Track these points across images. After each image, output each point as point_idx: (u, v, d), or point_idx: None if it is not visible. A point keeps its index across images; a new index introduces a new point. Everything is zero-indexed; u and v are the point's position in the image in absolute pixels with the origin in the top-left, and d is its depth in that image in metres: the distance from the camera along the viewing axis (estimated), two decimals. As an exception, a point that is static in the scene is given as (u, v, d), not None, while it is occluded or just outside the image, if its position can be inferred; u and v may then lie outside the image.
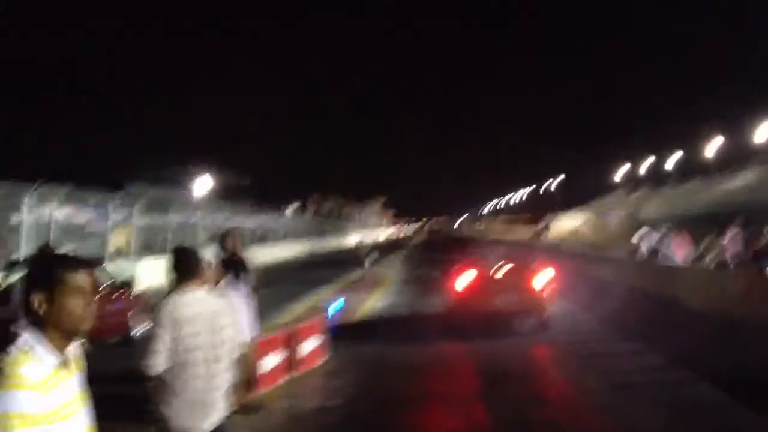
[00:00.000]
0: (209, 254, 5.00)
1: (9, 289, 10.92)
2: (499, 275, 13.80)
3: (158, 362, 3.91)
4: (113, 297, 12.51)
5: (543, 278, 13.55)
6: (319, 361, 10.35)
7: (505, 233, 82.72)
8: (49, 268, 2.35)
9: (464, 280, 13.64)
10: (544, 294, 13.37)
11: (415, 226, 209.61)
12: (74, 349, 2.42)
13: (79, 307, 2.31)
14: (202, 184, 52.19)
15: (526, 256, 15.13)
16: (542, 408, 8.11)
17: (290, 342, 9.56)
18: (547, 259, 15.55)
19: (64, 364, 2.32)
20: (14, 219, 18.82)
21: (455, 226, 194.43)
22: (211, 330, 4.02)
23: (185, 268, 4.15)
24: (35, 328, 2.28)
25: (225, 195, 53.68)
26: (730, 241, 14.73)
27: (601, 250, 26.93)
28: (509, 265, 14.28)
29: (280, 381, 9.12)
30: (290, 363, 9.47)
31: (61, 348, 2.31)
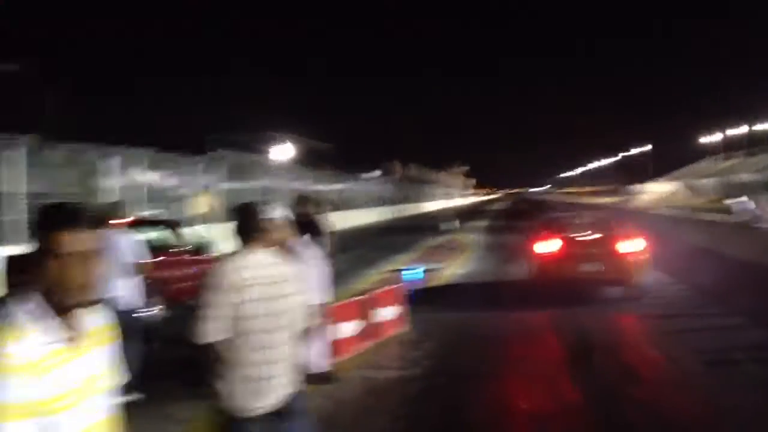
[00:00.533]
0: (279, 212, 4.66)
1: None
2: (586, 241, 13.14)
3: (208, 330, 3.56)
4: (190, 260, 12.52)
5: (633, 245, 12.83)
6: (397, 330, 10.05)
7: (588, 200, 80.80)
8: (38, 226, 1.97)
9: (549, 245, 13.05)
10: (634, 262, 12.64)
11: (497, 194, 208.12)
12: (92, 320, 2.04)
13: (65, 272, 1.90)
14: (285, 150, 52.63)
15: (614, 222, 14.32)
16: (633, 385, 7.58)
17: (367, 309, 9.29)
18: (637, 226, 14.74)
19: (70, 339, 1.94)
20: (102, 183, 19.12)
21: (536, 194, 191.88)
22: (272, 297, 3.68)
23: (246, 227, 3.82)
24: (38, 297, 1.92)
25: (307, 161, 54.01)
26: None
27: (694, 215, 25.69)
28: (597, 232, 13.60)
29: (357, 350, 8.87)
30: (367, 331, 9.20)
31: (65, 321, 1.94)
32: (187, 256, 12.53)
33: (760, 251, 16.30)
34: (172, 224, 13.12)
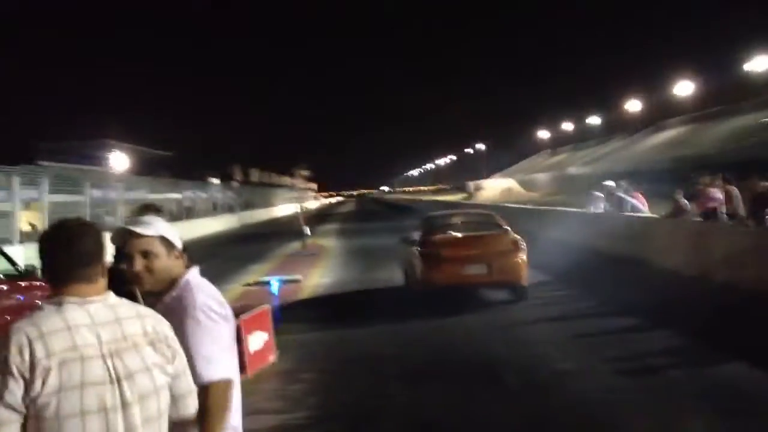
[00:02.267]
0: (151, 226, 2.87)
1: None
2: (469, 242, 12.23)
3: None
4: (15, 288, 10.34)
5: (514, 244, 11.96)
6: (269, 360, 8.44)
7: (431, 198, 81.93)
8: None
9: (431, 247, 11.95)
10: (517, 262, 11.72)
11: (340, 197, 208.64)
12: None
13: None
14: (120, 159, 49.23)
15: (492, 220, 13.49)
16: (554, 411, 6.47)
17: (236, 339, 7.65)
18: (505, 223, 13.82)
19: None
20: None
21: (378, 195, 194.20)
22: (110, 378, 2.12)
23: (57, 261, 2.24)
24: None
25: (145, 169, 50.82)
26: (712, 191, 13.36)
27: (550, 207, 25.64)
28: (478, 231, 12.85)
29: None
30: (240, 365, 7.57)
31: None
32: (8, 283, 10.32)
33: (628, 242, 16.03)
34: None
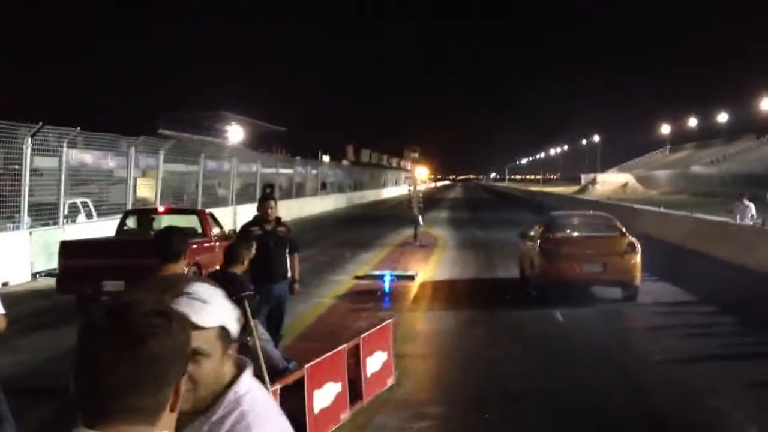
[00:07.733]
0: None
1: None
2: (588, 241, 12.73)
3: None
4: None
5: (630, 245, 12.24)
6: (387, 383, 7.35)
7: (544, 189, 79.58)
8: None
9: (548, 245, 12.30)
10: (634, 262, 12.07)
11: (446, 181, 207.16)
12: None
13: None
14: (235, 131, 49.64)
15: (611, 221, 13.40)
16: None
17: (350, 362, 6.59)
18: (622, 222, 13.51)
19: None
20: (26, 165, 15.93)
21: (484, 182, 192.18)
22: None
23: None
24: None
25: (259, 143, 51.02)
26: None
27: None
28: (597, 231, 13.26)
29: (337, 423, 6.19)
30: (353, 391, 6.53)
31: None
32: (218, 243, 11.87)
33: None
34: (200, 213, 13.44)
